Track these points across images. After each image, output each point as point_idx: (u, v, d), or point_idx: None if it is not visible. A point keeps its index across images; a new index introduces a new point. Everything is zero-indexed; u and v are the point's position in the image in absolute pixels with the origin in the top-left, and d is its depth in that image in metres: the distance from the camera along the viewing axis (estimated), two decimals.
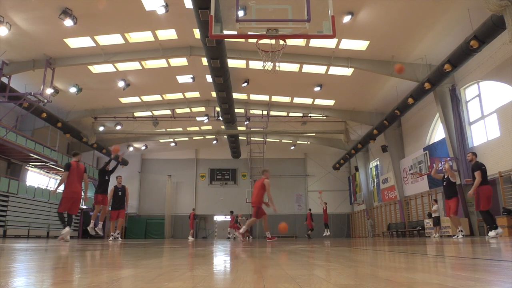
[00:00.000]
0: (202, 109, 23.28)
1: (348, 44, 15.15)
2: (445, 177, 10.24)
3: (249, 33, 5.68)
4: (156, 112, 23.13)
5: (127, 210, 27.12)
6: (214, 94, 19.01)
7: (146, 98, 21.53)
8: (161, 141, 29.20)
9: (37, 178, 23.65)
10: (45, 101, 16.22)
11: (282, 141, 29.31)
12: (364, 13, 13.02)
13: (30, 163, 21.65)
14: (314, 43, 15.10)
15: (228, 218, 30.67)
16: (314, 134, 25.95)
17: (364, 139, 21.72)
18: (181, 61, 17.73)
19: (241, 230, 10.10)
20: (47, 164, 21.69)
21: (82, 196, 9.39)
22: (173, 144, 29.93)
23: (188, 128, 26.08)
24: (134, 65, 17.58)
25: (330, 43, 15.09)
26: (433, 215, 14.86)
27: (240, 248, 5.78)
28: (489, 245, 4.96)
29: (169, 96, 21.70)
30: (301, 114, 22.38)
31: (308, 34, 5.47)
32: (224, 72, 15.59)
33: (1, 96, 16.18)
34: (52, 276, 1.72)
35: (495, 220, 9.95)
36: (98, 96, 20.54)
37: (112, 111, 22.37)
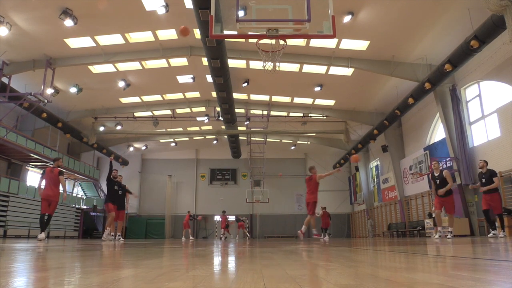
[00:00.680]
0: (202, 109, 23.28)
1: (348, 44, 15.14)
2: (437, 174, 9.71)
3: (249, 33, 5.68)
4: (156, 112, 23.13)
5: (127, 210, 27.18)
6: (214, 94, 19.01)
7: (146, 98, 21.53)
8: (161, 141, 29.21)
9: (37, 178, 23.66)
10: (46, 101, 16.22)
11: (282, 141, 29.31)
12: (364, 13, 13.02)
13: (31, 163, 21.66)
14: (314, 43, 15.10)
15: (229, 218, 30.72)
16: (314, 134, 25.95)
17: (364, 139, 21.72)
18: (181, 61, 17.73)
19: (302, 229, 10.62)
20: (48, 164, 21.68)
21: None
22: (173, 144, 29.93)
23: (188, 128, 26.08)
24: (134, 65, 17.58)
25: (330, 43, 15.08)
26: (433, 215, 14.83)
27: (240, 248, 5.78)
28: (488, 244, 4.96)
29: (169, 96, 21.71)
30: (301, 114, 22.38)
31: (308, 34, 5.47)
32: (224, 72, 15.59)
33: (2, 96, 16.18)
34: (53, 276, 1.72)
35: (494, 222, 10.08)
36: (98, 96, 20.54)
37: (112, 111, 22.38)
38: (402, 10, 12.73)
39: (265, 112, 22.38)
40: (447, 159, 15.75)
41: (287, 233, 29.48)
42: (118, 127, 23.25)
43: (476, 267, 2.02)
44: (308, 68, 17.40)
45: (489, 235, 10.63)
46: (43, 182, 9.66)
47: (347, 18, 12.97)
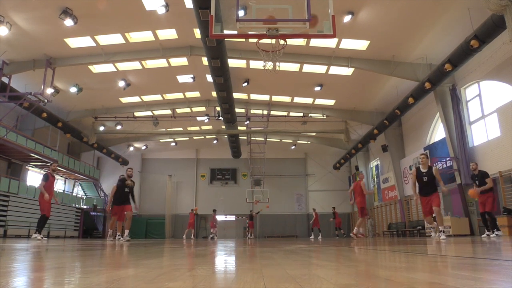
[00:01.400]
0: (203, 108, 23.28)
1: (349, 43, 15.14)
2: (424, 170, 8.66)
3: (249, 32, 5.69)
4: (157, 112, 23.13)
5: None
6: (214, 94, 19.01)
7: (147, 98, 21.53)
8: (161, 141, 29.21)
9: (37, 178, 23.65)
10: (46, 101, 16.22)
11: (283, 141, 29.31)
12: (365, 13, 13.01)
13: (31, 163, 21.65)
14: (315, 42, 15.10)
15: (229, 218, 30.75)
16: (314, 134, 25.94)
17: (365, 139, 21.71)
18: (182, 61, 17.73)
19: (354, 231, 10.84)
20: (48, 164, 21.69)
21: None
22: (173, 144, 29.92)
23: (189, 128, 26.08)
24: (134, 65, 17.58)
25: (331, 43, 15.08)
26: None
27: (240, 247, 5.78)
28: (488, 244, 4.96)
29: (170, 96, 21.71)
30: (301, 114, 22.37)
31: (309, 33, 5.48)
32: (224, 72, 15.59)
33: (2, 96, 16.18)
34: (53, 276, 1.72)
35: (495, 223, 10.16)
36: (99, 96, 20.54)
37: (113, 111, 22.38)
38: (402, 10, 12.72)
39: (265, 112, 22.38)
40: (447, 159, 15.75)
41: (287, 233, 29.48)
42: (118, 127, 23.25)
43: (476, 267, 2.02)
44: (308, 68, 17.40)
45: (483, 236, 10.69)
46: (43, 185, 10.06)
47: (347, 18, 12.97)
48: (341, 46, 15.20)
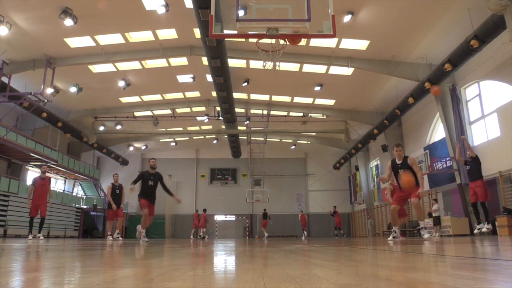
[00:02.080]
0: (203, 108, 23.28)
1: (349, 43, 15.14)
2: (399, 162, 7.74)
3: (249, 32, 5.69)
4: (156, 112, 23.12)
5: (126, 210, 27.15)
6: (214, 93, 19.00)
7: (146, 98, 21.52)
8: (161, 140, 29.20)
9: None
10: (45, 100, 16.20)
11: (283, 140, 29.31)
12: (364, 13, 13.01)
13: (31, 163, 21.63)
14: (315, 42, 15.09)
15: (229, 218, 30.75)
16: (314, 133, 25.94)
17: (365, 139, 21.71)
18: (181, 61, 17.72)
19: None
20: (48, 164, 21.68)
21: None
22: (173, 143, 29.91)
23: (189, 128, 26.08)
24: (134, 65, 17.57)
25: (331, 43, 15.08)
26: (433, 214, 14.85)
27: (240, 247, 5.78)
28: (488, 244, 4.96)
29: (169, 96, 21.70)
30: (301, 114, 22.37)
31: (309, 33, 5.48)
32: (224, 72, 15.59)
33: (1, 96, 16.17)
34: (53, 276, 1.72)
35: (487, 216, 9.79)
36: (98, 96, 20.54)
37: (113, 111, 22.37)
38: (402, 10, 12.72)
39: (265, 112, 22.38)
40: (447, 159, 15.76)
41: (287, 233, 29.47)
42: (118, 127, 23.24)
43: (476, 267, 2.02)
44: (308, 68, 17.40)
45: (474, 231, 10.50)
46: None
47: (347, 18, 12.97)
48: (341, 46, 15.20)
